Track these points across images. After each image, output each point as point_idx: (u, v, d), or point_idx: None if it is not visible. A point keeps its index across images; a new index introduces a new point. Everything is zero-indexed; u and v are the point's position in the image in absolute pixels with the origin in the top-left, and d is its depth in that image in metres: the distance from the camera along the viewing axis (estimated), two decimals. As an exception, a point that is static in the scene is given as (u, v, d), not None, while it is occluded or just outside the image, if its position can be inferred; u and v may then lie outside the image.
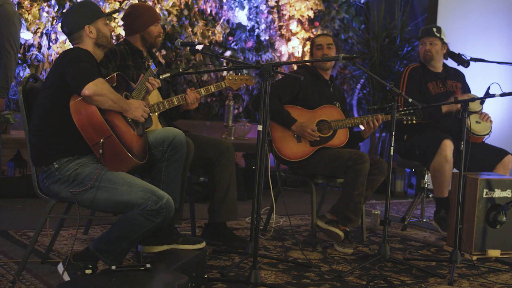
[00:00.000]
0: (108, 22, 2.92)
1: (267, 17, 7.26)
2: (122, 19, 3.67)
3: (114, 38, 5.82)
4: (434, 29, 4.38)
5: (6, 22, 4.19)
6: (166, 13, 6.42)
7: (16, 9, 4.37)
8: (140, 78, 3.02)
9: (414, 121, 3.93)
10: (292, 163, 3.90)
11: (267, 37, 7.27)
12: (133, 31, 3.53)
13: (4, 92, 4.25)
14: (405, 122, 3.95)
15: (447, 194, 4.12)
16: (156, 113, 3.39)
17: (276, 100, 3.88)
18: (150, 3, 6.25)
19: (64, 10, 5.80)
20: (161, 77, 3.28)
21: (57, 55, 5.66)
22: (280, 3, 7.33)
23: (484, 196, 3.68)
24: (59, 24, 5.72)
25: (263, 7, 7.21)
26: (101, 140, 2.61)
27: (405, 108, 3.90)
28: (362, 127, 4.04)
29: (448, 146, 4.03)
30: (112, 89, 2.68)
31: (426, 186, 4.73)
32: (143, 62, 3.48)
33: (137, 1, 6.13)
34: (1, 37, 4.20)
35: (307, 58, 7.43)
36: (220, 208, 3.59)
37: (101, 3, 5.93)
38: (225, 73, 6.79)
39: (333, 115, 3.97)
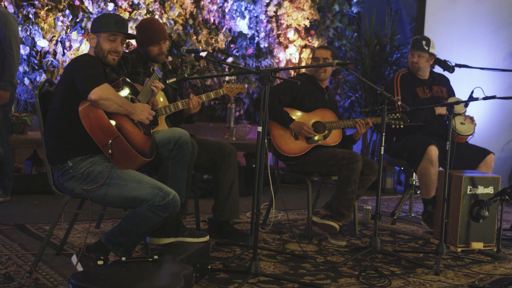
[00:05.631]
0: (114, 40, 2.81)
1: (266, 26, 7.26)
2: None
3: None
4: (424, 42, 4.31)
5: (4, 22, 4.20)
6: (172, 22, 6.42)
7: (7, 11, 4.38)
8: (146, 82, 3.02)
9: (402, 126, 3.94)
10: (290, 159, 3.90)
11: (266, 45, 7.26)
12: (138, 46, 3.53)
13: (9, 85, 4.25)
14: (393, 127, 3.96)
15: (433, 194, 4.12)
16: (163, 116, 3.39)
17: (276, 101, 3.88)
18: (157, 13, 6.25)
19: (78, 20, 5.81)
20: (167, 81, 3.28)
21: (71, 61, 5.67)
22: (278, 13, 7.33)
23: (468, 192, 3.68)
24: (73, 32, 5.74)
25: (262, 16, 7.21)
26: (109, 141, 2.61)
27: (393, 113, 3.91)
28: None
29: (433, 151, 4.02)
30: (117, 93, 2.68)
31: (414, 183, 4.74)
32: (148, 67, 3.47)
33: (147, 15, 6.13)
34: (3, 36, 4.21)
35: (303, 64, 7.45)
36: (223, 208, 3.60)
37: (112, 12, 5.93)
38: (227, 78, 6.79)
39: (328, 117, 3.97)
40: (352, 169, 3.66)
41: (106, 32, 2.81)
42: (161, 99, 3.42)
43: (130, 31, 2.95)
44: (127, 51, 3.60)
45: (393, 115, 3.91)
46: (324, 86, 4.11)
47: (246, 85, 7.08)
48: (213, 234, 3.63)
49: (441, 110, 4.22)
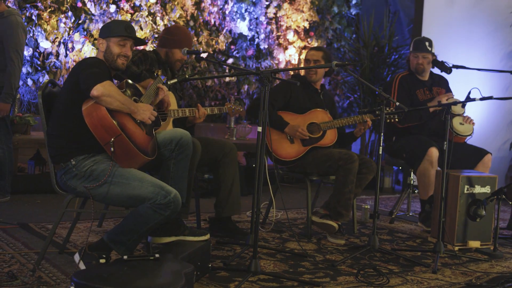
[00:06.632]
0: (124, 44, 2.83)
1: (266, 28, 7.26)
2: (162, 31, 3.72)
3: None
4: (427, 43, 4.33)
5: (10, 32, 4.16)
6: (173, 23, 6.42)
7: (22, 20, 4.32)
8: (149, 84, 3.03)
9: (397, 119, 3.95)
10: (288, 163, 3.90)
11: (266, 46, 7.27)
12: (162, 45, 3.60)
13: (9, 97, 4.20)
14: (388, 121, 3.96)
15: (431, 194, 4.11)
16: (172, 118, 3.42)
17: (269, 106, 3.87)
18: (159, 15, 6.25)
19: (80, 21, 5.82)
20: (168, 82, 3.29)
21: (74, 63, 5.69)
22: (278, 15, 7.33)
23: (465, 192, 3.69)
24: (76, 34, 5.75)
25: (262, 18, 7.21)
26: (112, 139, 2.61)
27: (389, 109, 3.91)
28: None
29: (434, 153, 4.02)
30: (119, 91, 2.70)
31: (412, 183, 4.74)
32: (152, 72, 3.49)
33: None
34: (6, 47, 4.16)
35: (302, 65, 7.45)
36: (225, 204, 3.61)
37: (113, 14, 5.93)
38: (227, 79, 6.80)
39: (322, 118, 3.97)
40: (348, 169, 3.66)
41: (116, 36, 2.83)
42: (172, 103, 3.44)
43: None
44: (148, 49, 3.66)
45: (388, 109, 3.89)
46: (318, 86, 4.10)
47: (246, 86, 7.09)
48: (214, 231, 3.64)
49: (434, 107, 4.22)
